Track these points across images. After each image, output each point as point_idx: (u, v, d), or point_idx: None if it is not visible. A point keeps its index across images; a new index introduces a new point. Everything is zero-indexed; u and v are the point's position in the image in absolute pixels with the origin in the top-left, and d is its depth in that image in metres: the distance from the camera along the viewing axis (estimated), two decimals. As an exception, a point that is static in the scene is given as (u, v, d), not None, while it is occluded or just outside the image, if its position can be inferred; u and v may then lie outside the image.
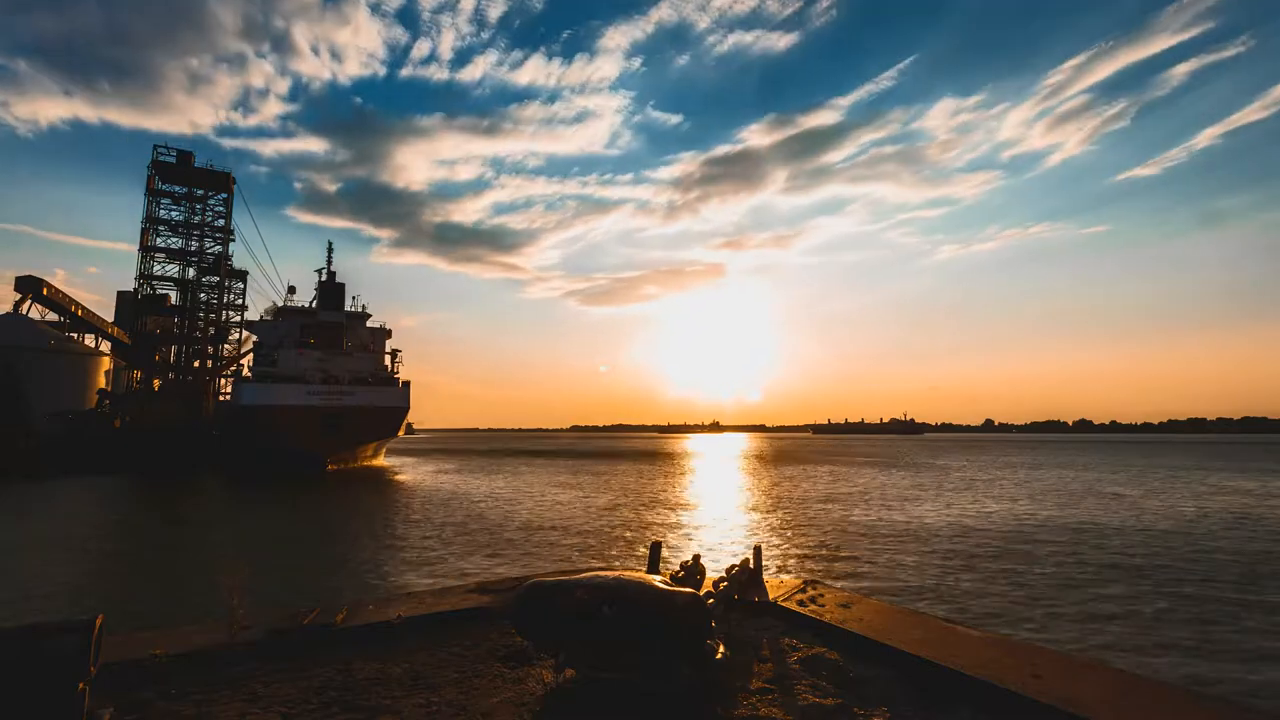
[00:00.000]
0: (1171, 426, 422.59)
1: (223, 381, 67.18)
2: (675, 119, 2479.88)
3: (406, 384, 58.10)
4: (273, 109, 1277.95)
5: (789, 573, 15.34)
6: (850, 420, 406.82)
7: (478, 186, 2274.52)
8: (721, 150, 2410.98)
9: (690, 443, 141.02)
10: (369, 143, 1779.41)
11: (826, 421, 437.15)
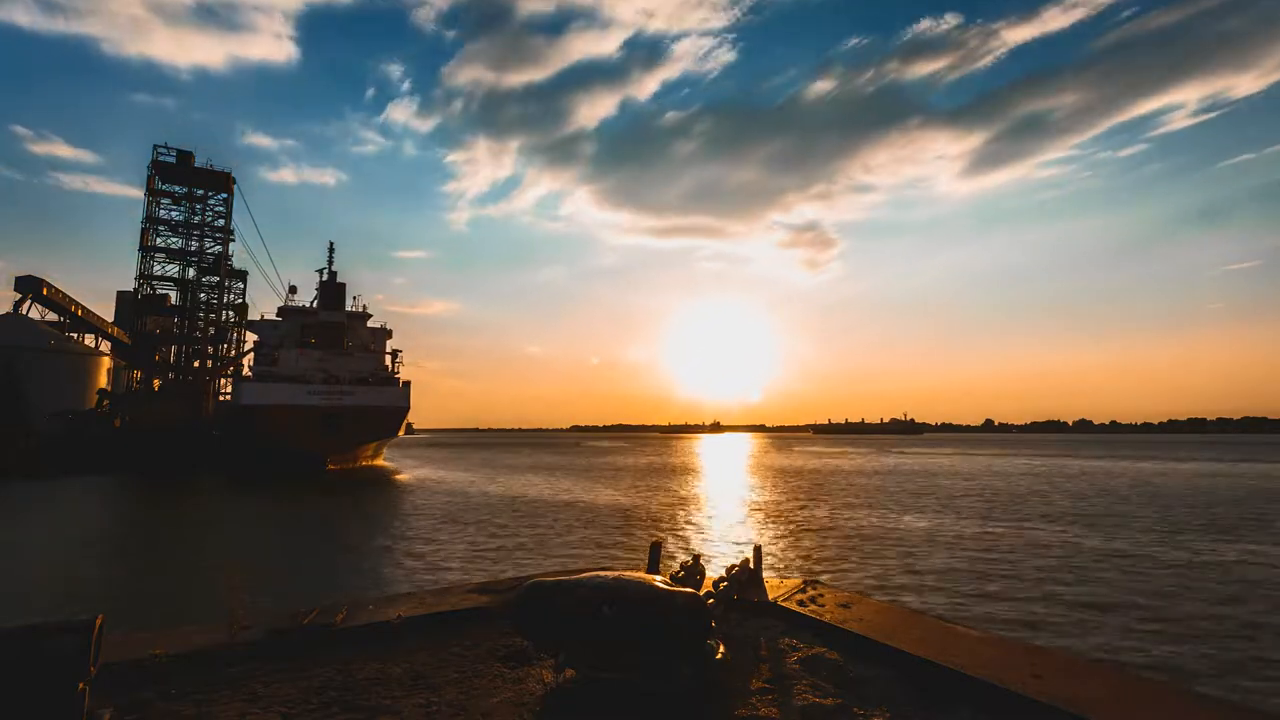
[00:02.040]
0: (1172, 426, 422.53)
1: (223, 381, 67.24)
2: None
3: (407, 384, 58.24)
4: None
5: (788, 572, 15.34)
6: (850, 420, 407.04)
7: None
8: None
9: (704, 450, 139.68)
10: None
11: (827, 421, 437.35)
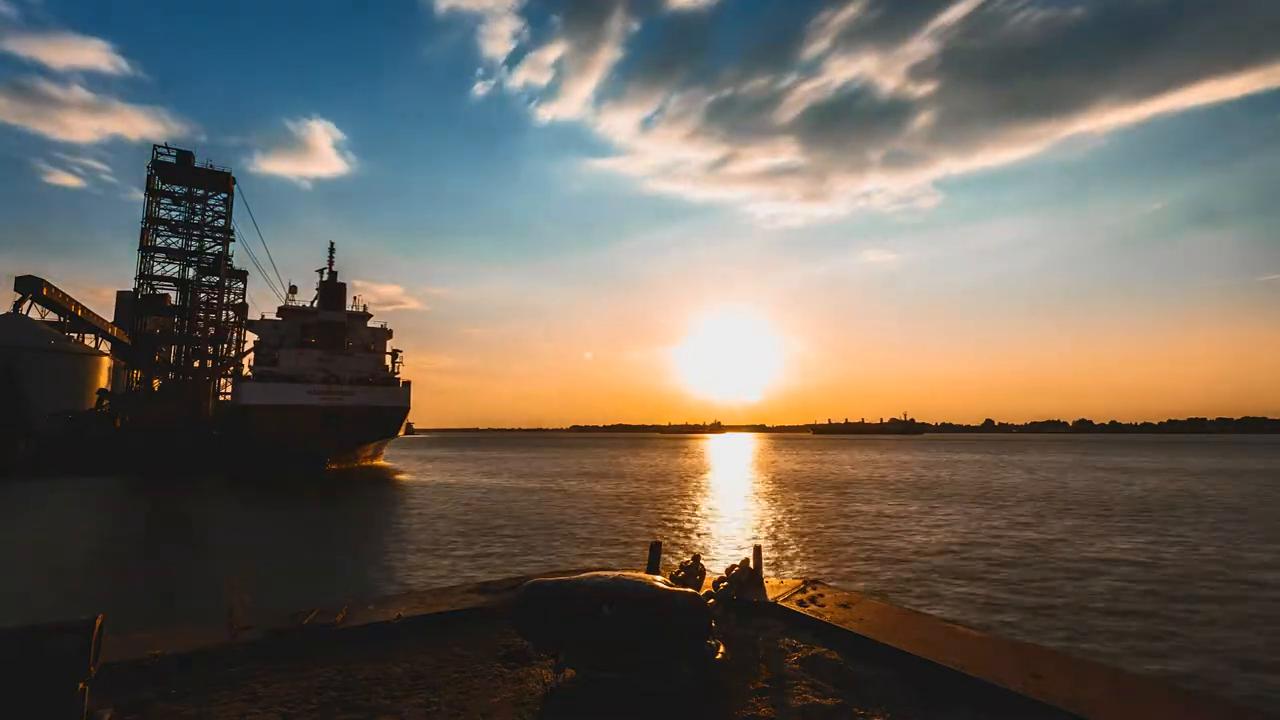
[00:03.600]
0: (1171, 426, 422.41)
1: (223, 381, 67.28)
2: None
3: (407, 384, 58.36)
4: None
5: (789, 572, 15.33)
6: (850, 420, 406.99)
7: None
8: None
9: (709, 453, 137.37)
10: None
11: (827, 421, 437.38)
